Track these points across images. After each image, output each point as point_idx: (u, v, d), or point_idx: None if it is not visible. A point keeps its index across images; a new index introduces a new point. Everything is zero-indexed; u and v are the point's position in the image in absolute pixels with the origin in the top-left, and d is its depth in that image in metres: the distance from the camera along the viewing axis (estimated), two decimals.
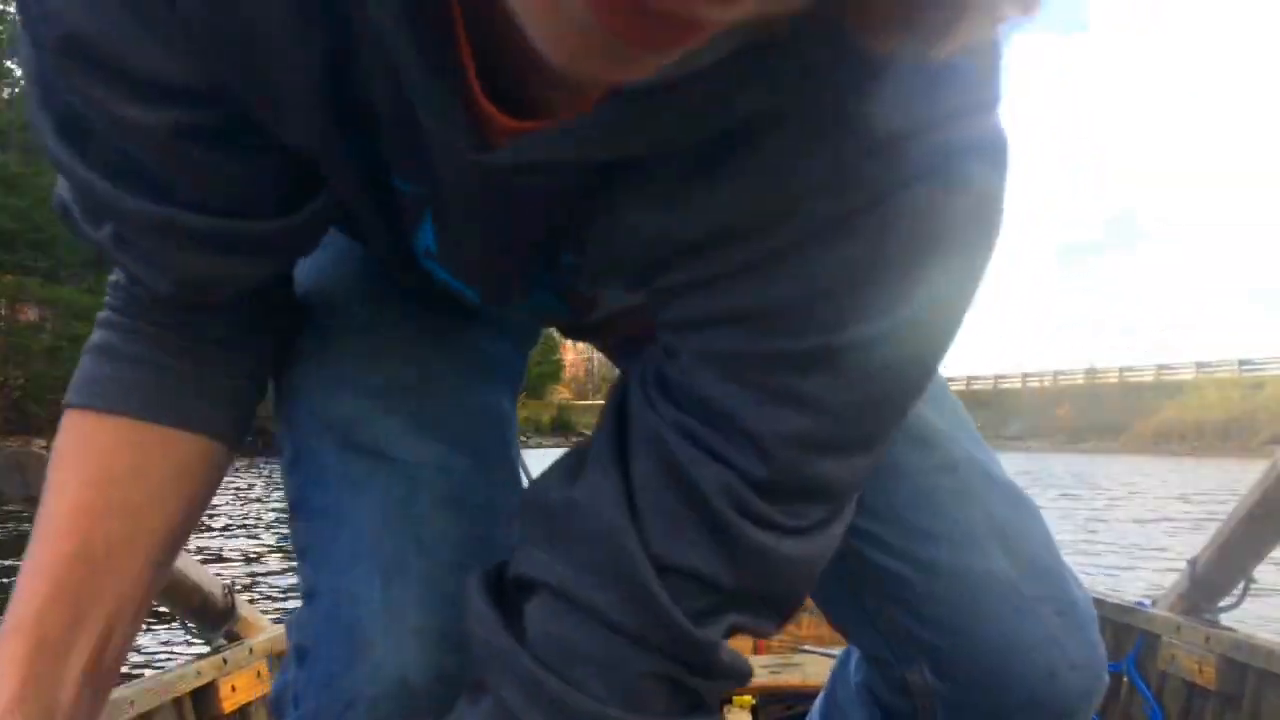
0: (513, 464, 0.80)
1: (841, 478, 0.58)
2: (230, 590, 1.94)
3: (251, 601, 2.12)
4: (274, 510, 12.61)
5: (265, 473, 20.64)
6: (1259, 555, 1.78)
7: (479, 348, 0.82)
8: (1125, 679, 2.04)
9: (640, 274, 0.58)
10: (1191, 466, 29.23)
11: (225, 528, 10.29)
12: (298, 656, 0.72)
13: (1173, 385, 51.01)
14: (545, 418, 61.59)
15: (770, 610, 0.61)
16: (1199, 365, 52.06)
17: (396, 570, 0.69)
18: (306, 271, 0.81)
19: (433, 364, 0.78)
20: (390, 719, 0.66)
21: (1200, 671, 1.80)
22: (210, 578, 1.89)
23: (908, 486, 0.77)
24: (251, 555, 8.31)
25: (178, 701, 1.73)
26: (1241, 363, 50.52)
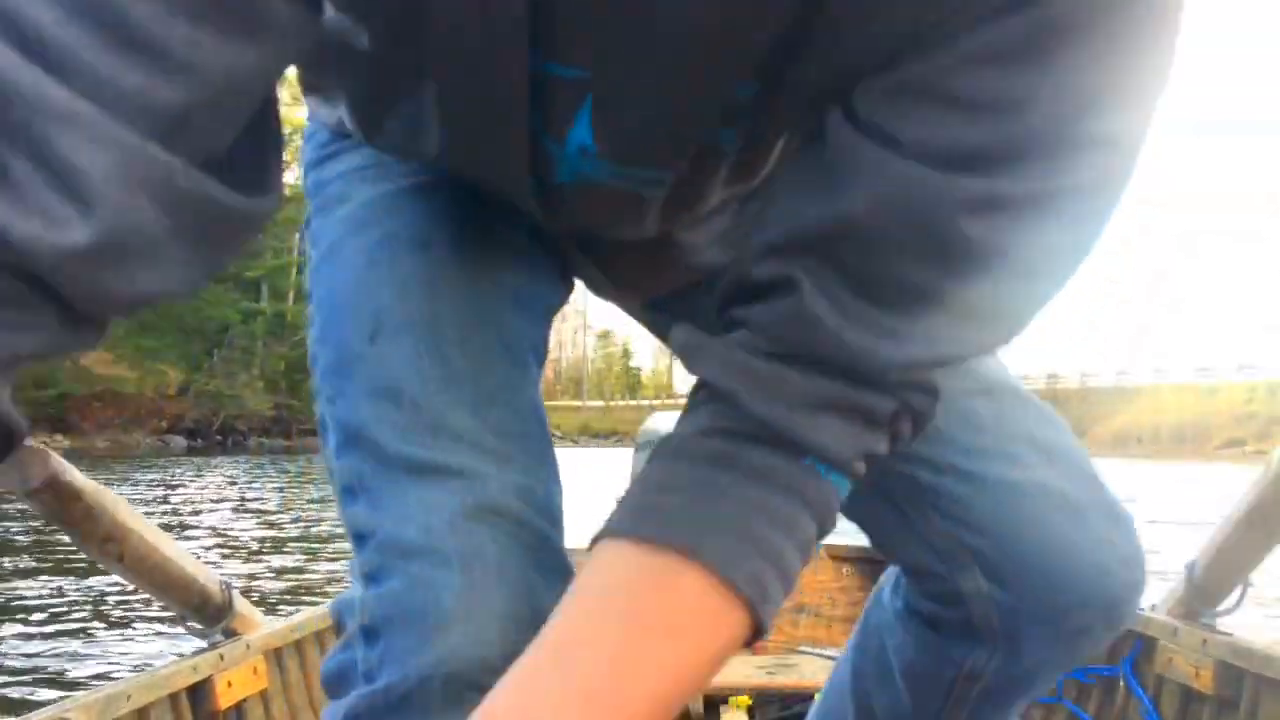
0: (554, 458, 0.83)
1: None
2: (228, 586, 1.94)
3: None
4: (250, 510, 12.76)
5: (229, 473, 20.86)
6: (1257, 559, 1.76)
7: (525, 336, 0.85)
8: (1122, 682, 2.03)
9: (882, 60, 0.57)
10: (1147, 469, 29.94)
11: (211, 528, 10.45)
12: (365, 636, 0.73)
13: (1131, 391, 51.97)
14: None
15: None
16: (1156, 371, 53.18)
17: (475, 556, 0.71)
18: (347, 267, 0.84)
19: (495, 363, 0.81)
20: (465, 695, 0.66)
21: (1197, 676, 1.78)
22: (208, 573, 1.88)
23: (951, 409, 0.75)
24: (231, 553, 8.39)
25: (174, 696, 1.73)
26: (1198, 369, 51.65)
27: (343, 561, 7.66)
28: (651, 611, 0.59)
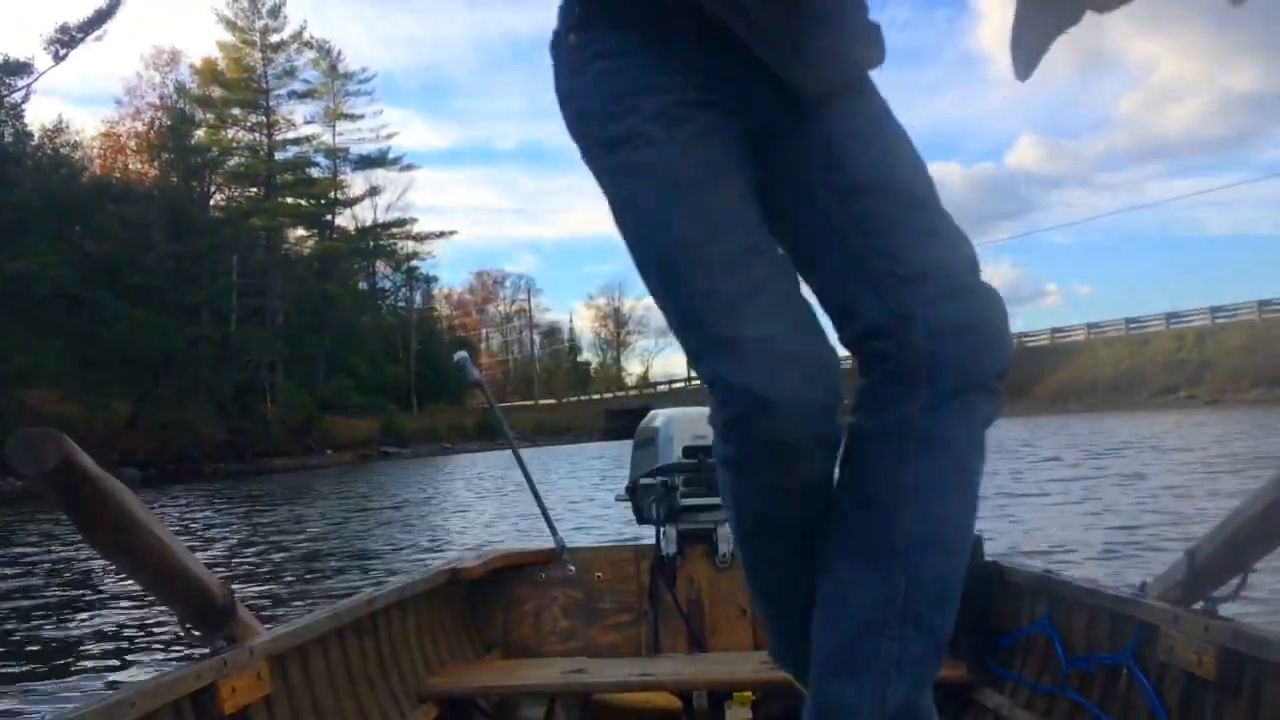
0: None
1: None
2: (230, 590, 1.92)
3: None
4: (210, 537, 12.87)
5: (184, 501, 20.81)
6: (1264, 552, 1.76)
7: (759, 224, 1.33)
8: (1125, 670, 2.01)
9: None
10: (1081, 423, 30.78)
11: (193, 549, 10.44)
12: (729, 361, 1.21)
13: (1067, 347, 52.97)
14: (469, 423, 61.57)
15: None
16: (1090, 326, 54.32)
17: (801, 322, 1.25)
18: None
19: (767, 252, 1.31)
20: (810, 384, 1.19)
21: (1200, 662, 1.77)
22: (211, 575, 1.86)
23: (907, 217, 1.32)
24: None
25: (177, 704, 1.71)
26: (1129, 321, 52.74)
27: (307, 582, 7.85)
28: None
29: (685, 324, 1.28)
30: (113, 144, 54.64)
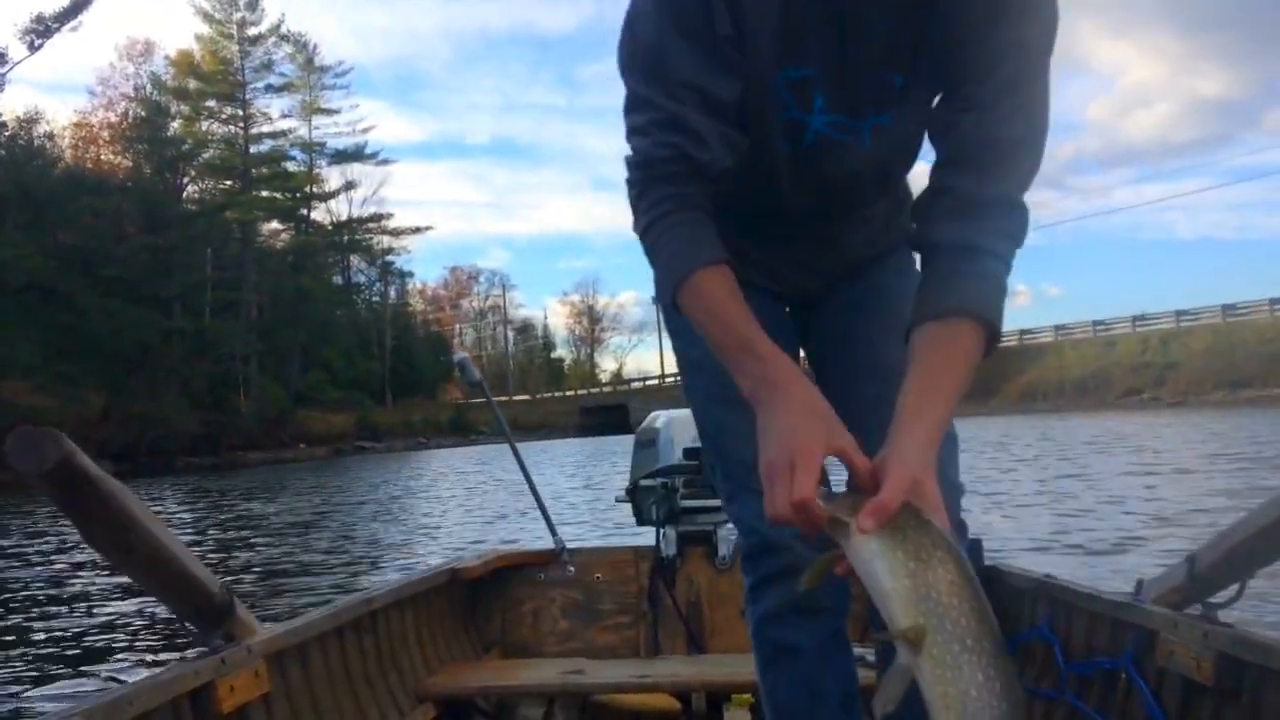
0: None
1: None
2: (229, 589, 1.90)
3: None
4: (183, 528, 12.67)
5: (158, 494, 20.59)
6: (1266, 563, 1.76)
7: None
8: (1124, 675, 1.99)
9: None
10: (1048, 422, 31.16)
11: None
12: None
13: (1035, 349, 53.52)
14: (443, 418, 61.56)
15: None
16: (1057, 329, 54.73)
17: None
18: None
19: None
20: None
21: (1199, 668, 1.75)
22: (210, 575, 1.83)
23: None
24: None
25: (176, 702, 1.70)
26: (1096, 323, 53.22)
27: (271, 580, 7.76)
28: (957, 360, 1.13)
29: (720, 474, 1.58)
30: (85, 134, 54.14)
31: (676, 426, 3.28)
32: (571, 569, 3.30)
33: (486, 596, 3.28)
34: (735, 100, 1.26)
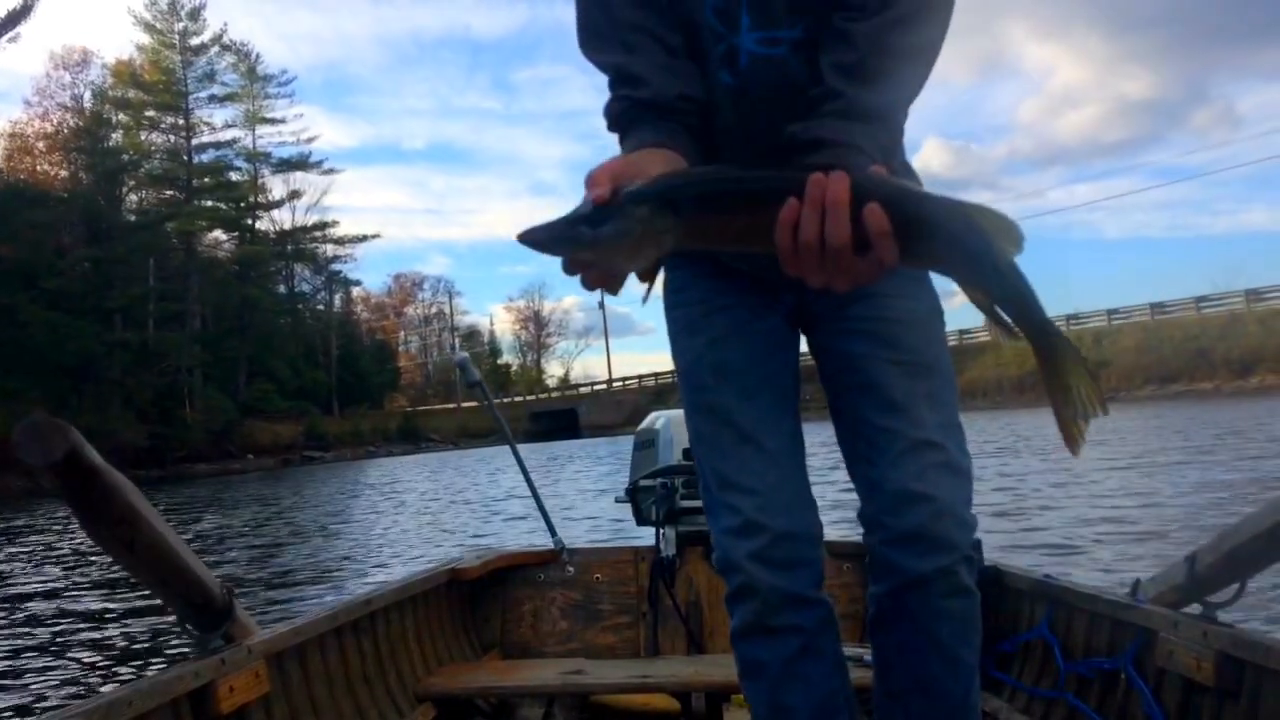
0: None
1: None
2: (229, 590, 1.89)
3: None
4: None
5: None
6: (1266, 565, 1.76)
7: (793, 388, 1.53)
8: (1123, 675, 1.98)
9: None
10: (986, 420, 31.98)
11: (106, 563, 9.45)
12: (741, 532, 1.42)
13: (974, 347, 54.61)
14: (392, 426, 61.27)
15: None
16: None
17: (797, 499, 1.44)
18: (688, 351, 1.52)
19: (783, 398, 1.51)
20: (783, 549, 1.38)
21: (1198, 668, 1.74)
22: (210, 575, 1.83)
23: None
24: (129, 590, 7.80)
25: (175, 702, 1.69)
26: None
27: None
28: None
29: (700, 485, 1.58)
30: (18, 145, 53.25)
31: (676, 427, 3.26)
32: (571, 569, 3.31)
33: (486, 597, 3.30)
34: (678, 42, 1.35)
